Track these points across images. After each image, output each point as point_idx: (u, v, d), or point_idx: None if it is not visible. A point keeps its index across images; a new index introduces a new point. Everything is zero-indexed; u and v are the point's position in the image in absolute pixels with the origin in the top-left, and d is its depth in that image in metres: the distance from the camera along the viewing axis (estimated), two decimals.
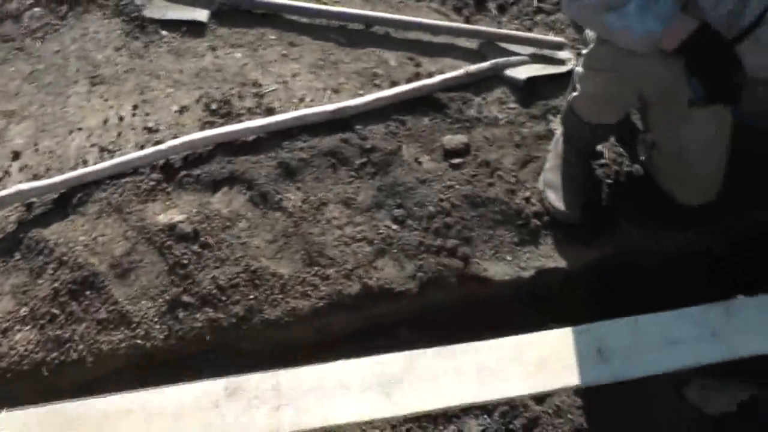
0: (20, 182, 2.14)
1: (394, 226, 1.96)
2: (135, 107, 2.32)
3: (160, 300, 1.81)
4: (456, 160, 2.11)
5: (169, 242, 1.87)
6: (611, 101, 1.85)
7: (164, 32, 2.60)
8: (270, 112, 2.26)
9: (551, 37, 2.49)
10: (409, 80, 2.34)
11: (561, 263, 1.94)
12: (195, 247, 1.86)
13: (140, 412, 1.41)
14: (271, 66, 2.45)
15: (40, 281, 1.91)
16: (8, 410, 1.42)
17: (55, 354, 1.78)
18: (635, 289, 1.97)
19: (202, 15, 2.65)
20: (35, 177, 2.17)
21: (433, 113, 2.23)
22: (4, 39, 2.67)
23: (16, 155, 2.25)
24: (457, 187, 2.04)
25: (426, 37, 2.52)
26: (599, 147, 2.11)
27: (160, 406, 1.42)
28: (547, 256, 1.95)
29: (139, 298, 1.82)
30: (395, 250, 1.92)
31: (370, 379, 1.46)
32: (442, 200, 2.01)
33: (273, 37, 2.59)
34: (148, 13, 2.68)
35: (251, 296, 1.82)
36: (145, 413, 1.41)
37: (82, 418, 1.42)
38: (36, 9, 2.77)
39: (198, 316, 1.77)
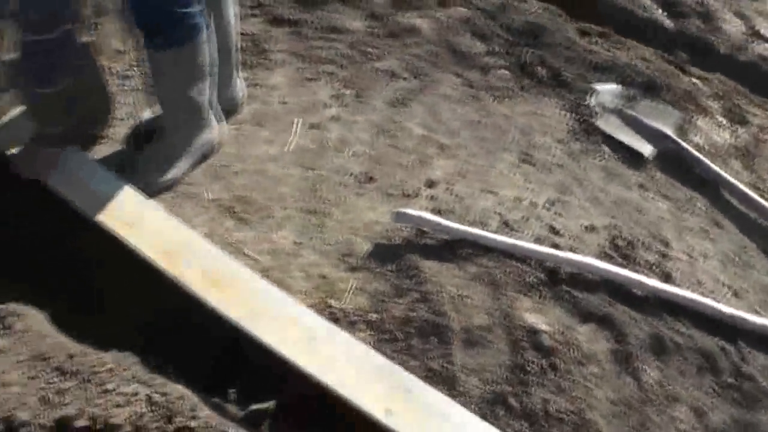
0: (425, 209, 2.30)
1: None
2: (550, 202, 2.39)
3: (489, 387, 1.83)
4: None
5: (524, 342, 1.89)
6: None
7: (605, 148, 2.65)
8: (666, 277, 2.19)
9: None
10: None
11: None
12: (544, 362, 1.86)
13: None
14: (687, 234, 2.38)
15: (398, 300, 2.03)
16: None
17: None
18: None
19: (646, 150, 2.66)
20: (437, 210, 2.32)
21: None
22: (467, 83, 2.90)
23: (430, 183, 2.44)
24: None
25: None
26: None
27: None
28: None
29: (472, 373, 1.85)
30: None
31: None
32: None
33: (701, 206, 2.52)
34: (600, 123, 2.75)
35: None
36: None
37: None
38: (504, 71, 2.99)
39: (514, 423, 1.76)
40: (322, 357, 1.74)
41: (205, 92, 2.28)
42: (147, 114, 2.46)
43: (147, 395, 1.57)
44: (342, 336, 1.80)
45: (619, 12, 3.43)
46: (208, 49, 2.18)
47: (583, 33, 3.20)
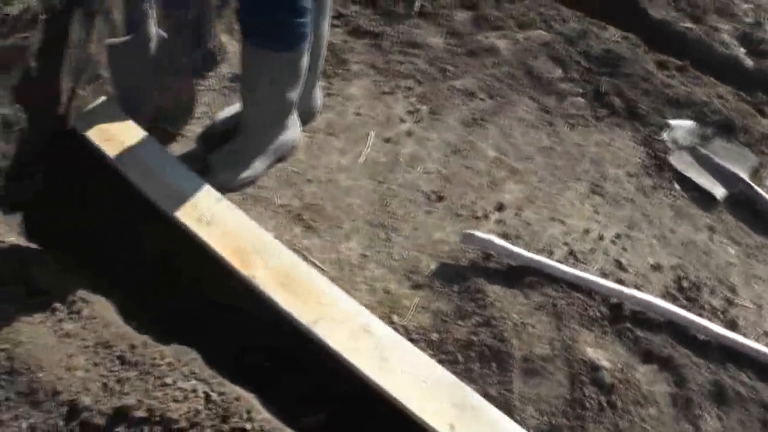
0: (493, 232, 2.33)
1: None
2: (617, 236, 2.39)
3: (546, 418, 1.84)
4: None
5: (583, 377, 1.90)
6: None
7: (677, 186, 2.63)
8: (731, 325, 2.18)
9: None
10: None
11: None
12: (602, 399, 1.86)
13: None
14: (756, 283, 2.35)
15: (461, 322, 2.05)
16: None
17: None
18: None
19: (719, 192, 2.64)
20: (504, 235, 2.34)
21: None
22: (542, 108, 2.91)
23: (500, 207, 2.46)
24: None
25: None
26: None
27: None
28: None
29: (529, 402, 1.87)
30: None
31: None
32: None
33: None
34: (673, 159, 2.73)
35: None
36: None
37: None
38: (580, 99, 2.99)
39: None
40: (390, 368, 1.77)
41: (298, 95, 2.34)
42: (222, 114, 2.53)
43: (205, 393, 1.61)
44: (409, 348, 1.83)
45: (698, 46, 3.39)
46: (308, 55, 2.24)
47: (661, 65, 3.18)
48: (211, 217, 2.06)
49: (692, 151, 2.82)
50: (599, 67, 3.08)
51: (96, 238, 2.17)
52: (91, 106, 2.34)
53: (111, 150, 2.20)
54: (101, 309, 1.78)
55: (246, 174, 2.35)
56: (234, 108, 2.53)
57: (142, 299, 2.00)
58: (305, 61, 2.25)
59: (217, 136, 2.48)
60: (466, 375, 1.90)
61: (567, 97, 2.98)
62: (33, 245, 1.99)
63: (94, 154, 2.24)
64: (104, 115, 2.32)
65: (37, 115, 2.17)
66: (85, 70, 2.31)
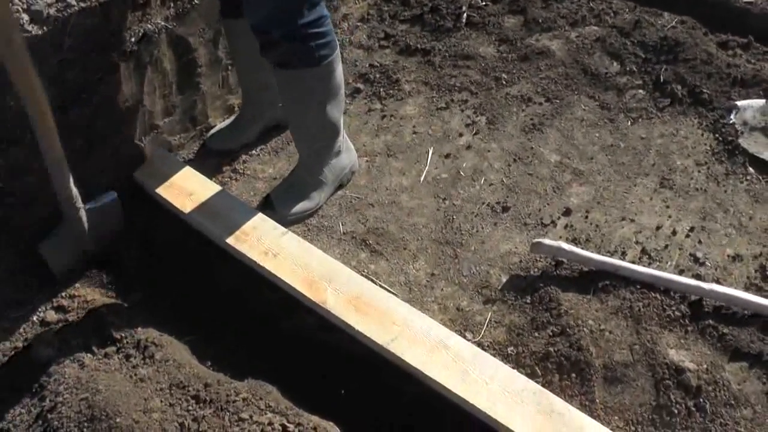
0: (561, 238, 2.29)
1: None
2: (691, 229, 2.32)
3: (632, 428, 1.80)
4: None
5: (668, 381, 1.85)
6: None
7: (751, 169, 2.54)
8: None
9: None
10: None
11: None
12: (690, 403, 1.81)
13: None
14: None
15: (536, 334, 2.03)
16: None
17: None
18: None
19: None
20: (573, 240, 2.31)
21: None
22: (602, 106, 2.85)
23: (567, 211, 2.42)
24: None
25: None
26: None
27: None
28: None
29: (613, 412, 1.84)
30: None
31: None
32: None
33: None
34: (744, 143, 2.63)
35: None
36: None
37: None
38: (640, 91, 2.92)
39: None
40: (471, 380, 1.78)
41: (339, 114, 2.31)
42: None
43: (282, 425, 1.65)
44: (489, 359, 1.83)
45: (762, 20, 3.25)
46: (341, 69, 2.20)
47: (723, 45, 3.07)
48: (278, 250, 2.11)
49: (764, 130, 2.71)
50: (657, 55, 3.00)
51: (167, 280, 2.24)
52: (149, 157, 2.44)
53: (174, 197, 2.28)
54: (173, 351, 1.85)
55: (306, 206, 2.39)
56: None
57: (216, 337, 2.06)
58: (338, 75, 2.19)
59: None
60: (546, 387, 1.87)
61: (626, 90, 2.92)
62: (107, 296, 2.09)
63: (157, 203, 2.33)
64: (162, 164, 2.41)
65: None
66: (141, 121, 2.40)
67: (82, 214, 2.07)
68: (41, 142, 1.80)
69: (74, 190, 1.98)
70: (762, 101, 2.81)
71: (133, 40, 2.14)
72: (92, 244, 2.20)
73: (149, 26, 2.19)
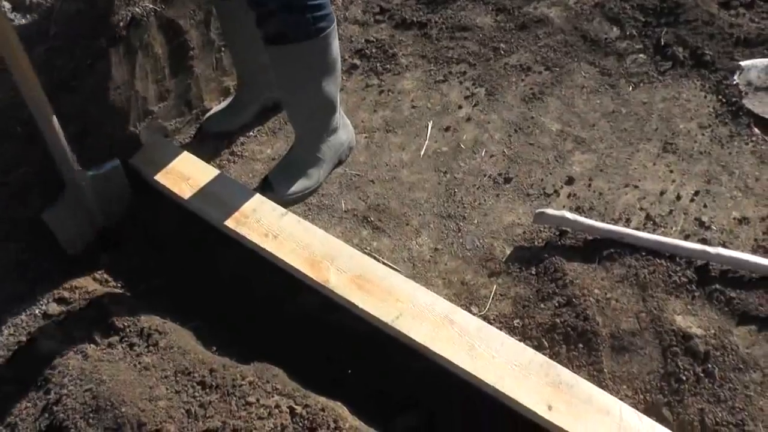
0: (564, 207, 2.27)
1: None
2: (696, 193, 2.28)
3: (641, 396, 1.79)
4: None
5: (675, 348, 1.83)
6: None
7: (756, 130, 2.49)
8: None
9: None
10: None
11: None
12: (698, 369, 1.79)
13: None
14: None
15: (542, 305, 2.01)
16: None
17: None
18: None
19: None
20: (577, 209, 2.28)
21: None
22: (603, 72, 2.80)
23: (570, 180, 2.39)
24: None
25: None
26: None
27: None
28: None
29: (622, 381, 1.82)
30: None
31: None
32: None
33: None
34: (748, 103, 2.59)
35: None
36: None
37: None
38: (641, 56, 2.86)
39: None
40: (478, 354, 1.76)
41: (336, 90, 2.26)
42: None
43: (289, 407, 1.64)
44: (495, 333, 1.81)
45: None
46: (336, 43, 2.14)
47: (725, 5, 3.00)
48: (278, 231, 2.09)
49: None
50: (657, 18, 2.95)
51: (170, 267, 2.23)
52: (144, 143, 2.41)
53: (171, 183, 2.26)
54: (178, 338, 1.84)
55: (305, 184, 2.36)
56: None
57: (221, 322, 2.05)
58: (334, 49, 2.13)
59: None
60: (553, 359, 1.86)
61: (627, 55, 2.87)
62: (109, 286, 2.08)
63: (154, 188, 2.31)
64: (158, 150, 2.38)
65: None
66: (135, 107, 2.37)
67: (82, 176, 2.05)
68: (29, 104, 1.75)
69: (70, 153, 1.95)
70: (767, 60, 2.75)
71: (121, 24, 2.11)
72: (100, 214, 2.19)
73: (137, 9, 2.16)
